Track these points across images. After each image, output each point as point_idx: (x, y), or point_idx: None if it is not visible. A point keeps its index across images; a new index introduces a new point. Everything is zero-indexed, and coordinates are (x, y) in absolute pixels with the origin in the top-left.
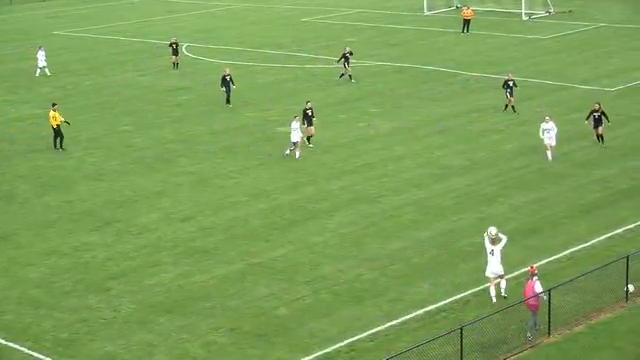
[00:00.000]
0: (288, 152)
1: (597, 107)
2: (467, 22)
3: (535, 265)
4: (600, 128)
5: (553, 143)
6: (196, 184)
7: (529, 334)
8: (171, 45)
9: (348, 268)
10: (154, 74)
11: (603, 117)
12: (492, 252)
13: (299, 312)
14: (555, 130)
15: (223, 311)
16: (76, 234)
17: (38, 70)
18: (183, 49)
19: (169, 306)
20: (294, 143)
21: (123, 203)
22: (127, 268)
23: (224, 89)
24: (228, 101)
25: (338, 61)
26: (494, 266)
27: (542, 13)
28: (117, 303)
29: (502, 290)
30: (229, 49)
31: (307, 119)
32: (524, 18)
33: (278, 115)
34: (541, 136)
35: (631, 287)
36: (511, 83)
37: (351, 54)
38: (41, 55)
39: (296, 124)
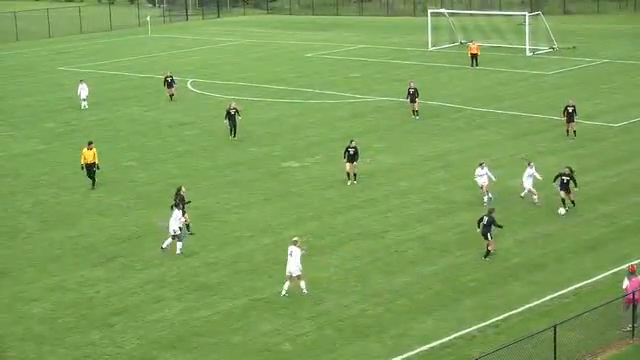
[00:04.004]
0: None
1: (567, 171)
2: (474, 57)
3: (539, 301)
4: (572, 194)
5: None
6: (200, 219)
7: (629, 327)
8: (165, 80)
9: (352, 303)
10: (159, 109)
11: (571, 182)
12: (291, 253)
13: (303, 348)
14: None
15: (227, 347)
16: (80, 269)
17: (82, 103)
18: (188, 84)
19: (173, 342)
20: (481, 187)
21: (127, 238)
22: (131, 304)
23: (226, 122)
24: (232, 133)
25: (408, 100)
26: (291, 266)
27: (546, 49)
28: (121, 339)
29: (303, 288)
30: (233, 84)
31: (349, 156)
32: (528, 54)
33: (282, 150)
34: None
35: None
36: (571, 109)
37: (416, 91)
38: (82, 88)
39: (482, 171)
